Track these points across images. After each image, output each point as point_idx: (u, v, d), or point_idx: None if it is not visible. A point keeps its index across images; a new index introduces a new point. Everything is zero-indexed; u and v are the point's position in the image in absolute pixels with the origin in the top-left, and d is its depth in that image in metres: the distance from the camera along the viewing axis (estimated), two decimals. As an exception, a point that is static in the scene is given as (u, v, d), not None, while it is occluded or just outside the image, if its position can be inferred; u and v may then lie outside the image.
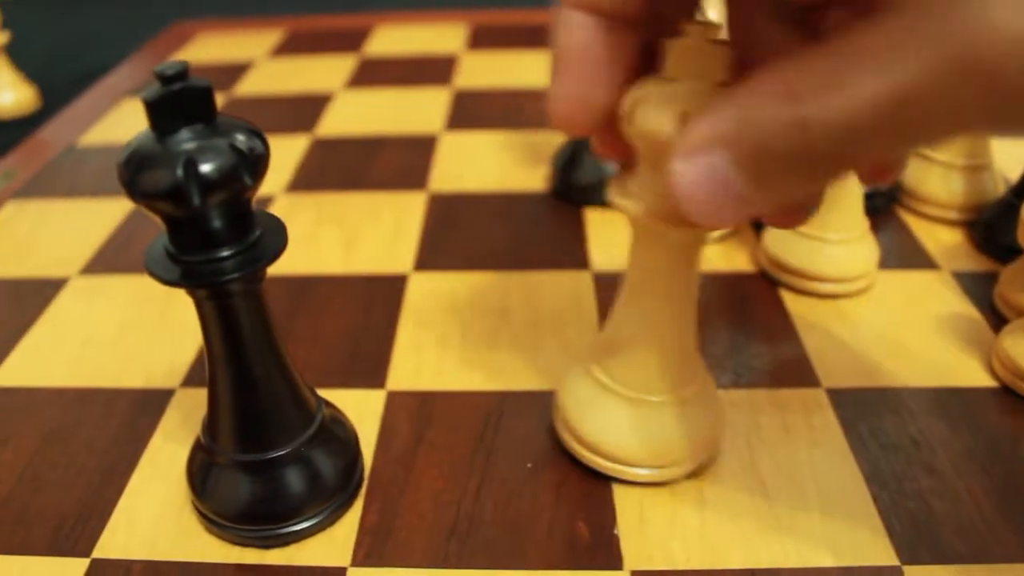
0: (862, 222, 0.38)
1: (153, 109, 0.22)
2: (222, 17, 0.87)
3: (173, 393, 0.34)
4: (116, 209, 0.49)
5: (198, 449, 0.28)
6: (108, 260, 0.44)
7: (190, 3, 0.99)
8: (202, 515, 0.28)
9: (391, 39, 0.77)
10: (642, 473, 0.28)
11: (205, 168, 0.21)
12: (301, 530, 0.27)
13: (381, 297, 0.40)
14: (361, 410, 0.33)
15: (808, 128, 0.17)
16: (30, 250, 0.45)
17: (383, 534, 0.28)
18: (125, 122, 0.61)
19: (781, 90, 0.17)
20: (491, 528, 0.28)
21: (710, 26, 0.22)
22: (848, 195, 0.37)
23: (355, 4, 0.95)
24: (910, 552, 0.27)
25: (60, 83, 0.72)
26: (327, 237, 0.45)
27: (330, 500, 0.28)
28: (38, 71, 0.74)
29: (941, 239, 0.43)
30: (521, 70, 0.68)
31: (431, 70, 0.69)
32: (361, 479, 0.30)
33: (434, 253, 0.43)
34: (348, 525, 0.28)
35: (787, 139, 0.17)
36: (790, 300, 0.39)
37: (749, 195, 0.18)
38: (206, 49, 0.77)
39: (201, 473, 0.28)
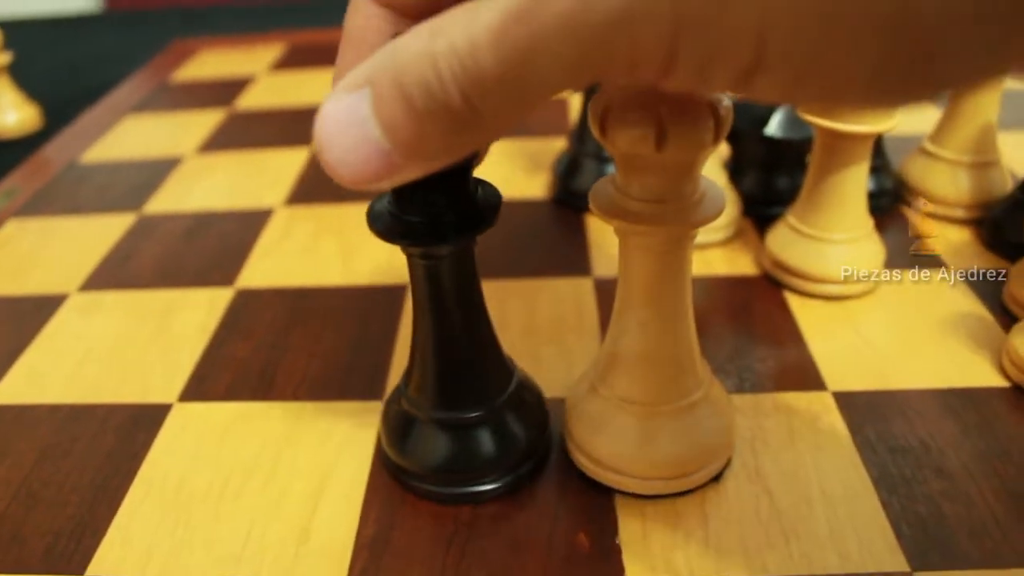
0: (867, 221, 0.38)
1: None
2: (223, 34, 0.87)
3: (170, 408, 0.34)
4: (116, 225, 0.49)
5: (397, 408, 0.29)
6: (107, 276, 0.44)
7: (192, 22, 0.99)
8: (399, 470, 0.29)
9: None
10: (656, 485, 0.28)
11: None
12: (489, 490, 0.28)
13: (379, 308, 0.39)
14: (359, 421, 0.32)
15: (435, 62, 0.15)
16: (30, 268, 0.45)
17: (380, 544, 0.27)
18: (127, 139, 0.61)
19: (427, 28, 0.16)
20: (490, 539, 0.27)
21: None
22: (851, 193, 0.36)
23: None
24: (920, 557, 0.26)
25: (63, 102, 0.73)
26: (326, 249, 0.45)
27: (520, 465, 0.29)
28: (42, 91, 0.74)
29: (948, 238, 0.42)
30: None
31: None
32: (549, 447, 0.30)
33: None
34: (344, 537, 0.28)
35: (419, 76, 0.16)
36: (794, 302, 0.38)
37: (386, 143, 0.17)
38: (207, 66, 0.77)
39: (402, 430, 0.29)
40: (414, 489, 0.29)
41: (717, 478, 0.29)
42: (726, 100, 0.22)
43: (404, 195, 0.24)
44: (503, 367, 0.29)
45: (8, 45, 0.68)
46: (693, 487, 0.28)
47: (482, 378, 0.28)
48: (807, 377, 0.34)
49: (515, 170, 0.52)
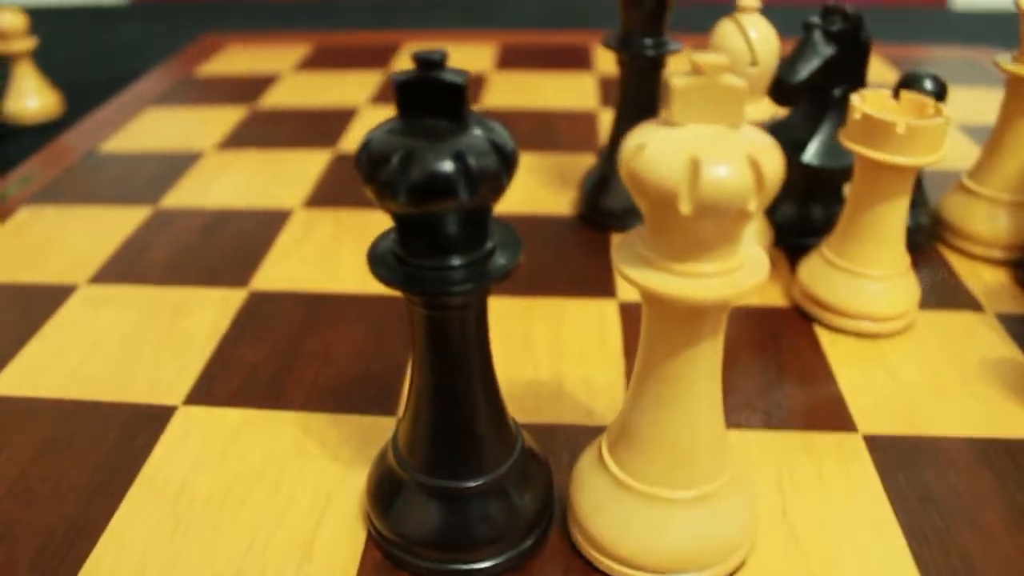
0: (904, 258, 0.36)
1: (404, 93, 0.20)
2: (251, 31, 0.86)
3: (175, 410, 0.33)
4: (131, 217, 0.48)
5: (384, 464, 0.26)
6: (119, 269, 0.43)
7: (221, 16, 0.99)
8: (382, 538, 0.26)
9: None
10: None
11: (472, 163, 0.20)
12: (487, 568, 0.25)
13: (396, 318, 0.38)
14: (369, 438, 0.31)
15: None
16: (41, 256, 0.44)
17: (386, 572, 0.26)
18: (147, 130, 0.61)
19: None
20: None
21: (722, 62, 0.19)
22: (891, 227, 0.35)
23: (384, 21, 0.94)
24: (954, 616, 0.25)
25: (87, 91, 0.72)
26: (344, 254, 0.44)
27: (522, 540, 0.26)
28: (65, 79, 0.73)
29: (984, 278, 0.41)
30: (550, 91, 0.67)
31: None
32: (551, 520, 0.27)
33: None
34: (348, 558, 0.26)
35: None
36: (825, 338, 0.37)
37: None
38: (232, 61, 0.77)
39: (387, 491, 0.26)
40: (396, 559, 0.26)
41: None
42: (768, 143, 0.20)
43: (410, 235, 0.21)
44: (507, 433, 0.26)
45: (35, 33, 0.67)
46: None
47: (483, 444, 0.25)
48: (837, 417, 0.32)
49: (542, 185, 0.51)
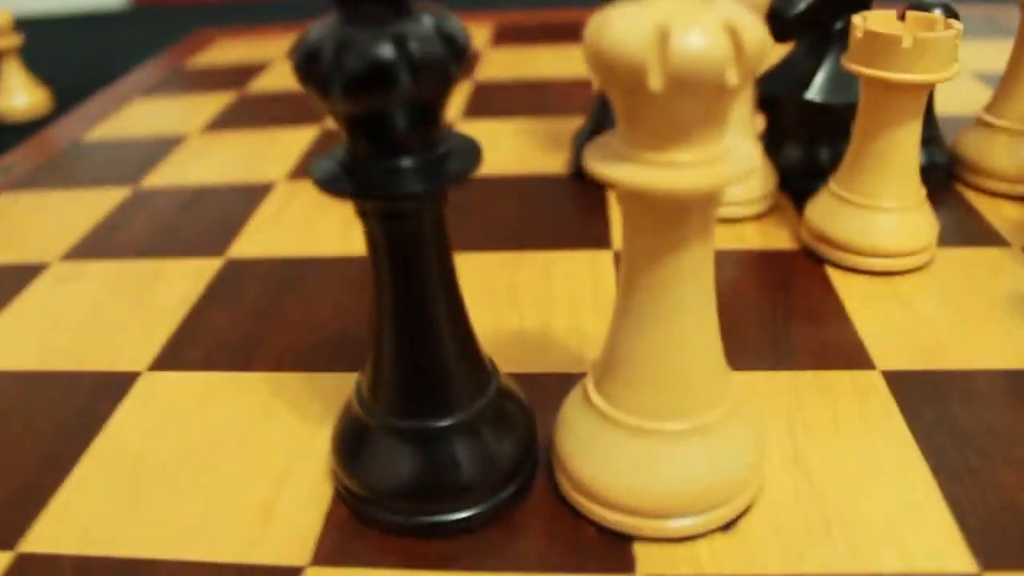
0: (919, 189, 0.33)
1: None
2: (245, 25, 0.85)
3: (138, 376, 0.31)
4: (110, 197, 0.46)
5: (349, 414, 0.24)
6: (93, 246, 0.41)
7: (219, 18, 0.98)
8: (349, 494, 0.24)
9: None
10: (648, 525, 0.22)
11: (415, 48, 0.18)
12: (461, 519, 0.23)
13: (378, 279, 0.36)
14: (342, 394, 0.29)
15: None
16: (14, 238, 0.42)
17: (352, 526, 0.24)
18: (133, 119, 0.59)
19: None
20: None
21: None
22: (902, 154, 0.32)
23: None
24: (989, 556, 0.22)
25: (78, 90, 0.71)
26: (326, 221, 0.41)
27: (499, 489, 0.23)
28: (58, 80, 0.72)
29: (1008, 215, 0.38)
30: (542, 64, 0.65)
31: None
32: (535, 469, 0.25)
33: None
34: (312, 518, 0.24)
35: None
36: (838, 279, 0.34)
37: None
38: (225, 52, 0.75)
39: (352, 441, 0.23)
40: (362, 515, 0.23)
41: (727, 527, 0.23)
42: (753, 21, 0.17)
43: (357, 137, 0.19)
44: (481, 368, 0.23)
45: (32, 39, 0.66)
46: (694, 534, 0.22)
47: (454, 379, 0.22)
48: (852, 355, 0.29)
49: (533, 148, 0.48)
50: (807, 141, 0.40)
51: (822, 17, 0.38)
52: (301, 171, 0.48)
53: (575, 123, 0.51)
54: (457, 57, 0.19)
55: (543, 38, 0.72)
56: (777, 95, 0.39)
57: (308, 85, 0.18)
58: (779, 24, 0.37)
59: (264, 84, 0.65)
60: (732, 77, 0.17)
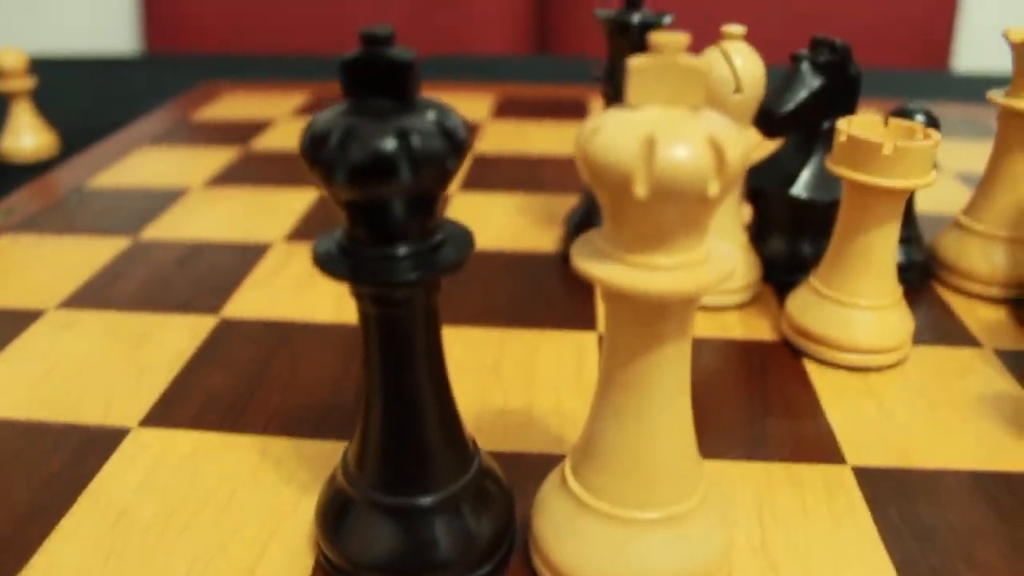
0: (896, 289, 0.35)
1: (350, 72, 0.20)
2: (253, 80, 0.87)
3: (128, 432, 0.31)
4: (109, 247, 0.47)
5: (334, 485, 0.25)
6: (89, 296, 0.42)
7: (232, 68, 1.00)
8: (330, 564, 0.24)
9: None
10: None
11: (416, 142, 0.19)
12: None
13: (368, 345, 0.37)
14: (328, 463, 0.30)
15: None
16: (11, 283, 0.43)
17: (331, 598, 0.24)
18: (137, 168, 0.60)
19: None
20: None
21: (681, 40, 0.18)
22: (881, 255, 0.34)
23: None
24: (949, 658, 0.23)
25: (86, 135, 0.72)
26: (320, 286, 0.42)
27: (477, 567, 0.24)
28: (66, 124, 0.74)
29: (982, 316, 0.39)
30: (541, 139, 0.67)
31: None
32: (511, 548, 0.26)
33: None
34: (293, 586, 0.25)
35: None
36: (815, 372, 0.35)
37: None
38: (231, 107, 0.77)
39: (335, 512, 0.24)
40: None
41: None
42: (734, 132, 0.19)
43: (356, 223, 0.20)
44: (463, 449, 0.24)
45: (43, 82, 0.68)
46: None
47: (435, 457, 0.23)
48: (824, 449, 0.30)
49: (527, 224, 0.50)
50: (791, 235, 0.41)
51: (810, 117, 0.39)
52: (299, 233, 0.49)
53: (569, 201, 0.53)
54: (456, 152, 0.20)
55: (543, 113, 0.74)
56: (764, 188, 0.41)
57: (314, 169, 0.20)
58: (769, 121, 0.39)
59: (268, 142, 0.66)
60: (714, 189, 0.18)
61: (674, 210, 0.19)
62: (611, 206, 0.19)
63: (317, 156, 0.19)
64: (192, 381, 0.34)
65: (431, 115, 0.20)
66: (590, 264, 0.20)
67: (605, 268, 0.20)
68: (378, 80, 0.19)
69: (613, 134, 0.18)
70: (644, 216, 0.19)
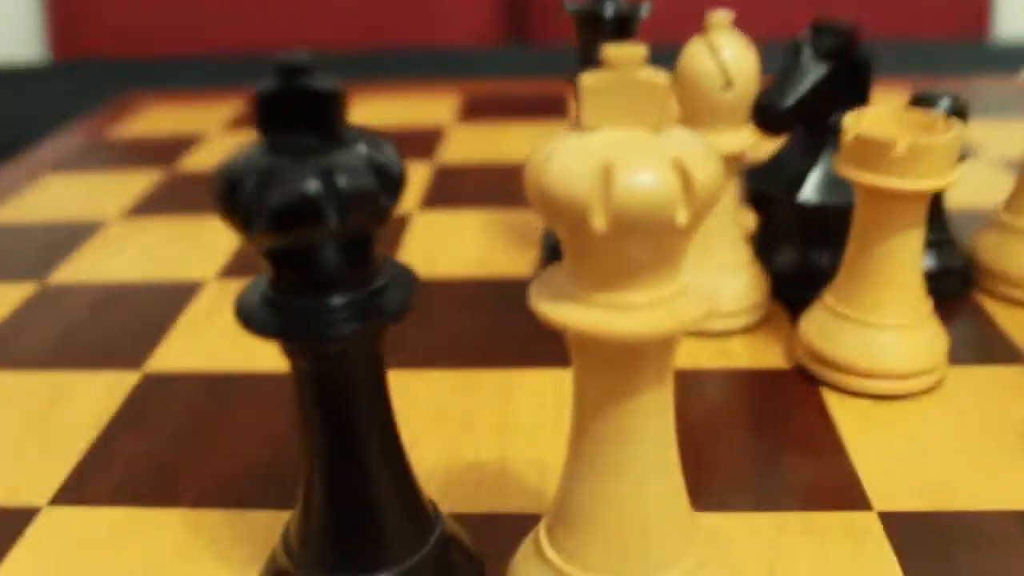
0: (923, 302, 0.36)
1: (266, 107, 0.20)
2: (178, 87, 0.88)
3: (38, 512, 0.32)
4: (9, 296, 0.48)
5: (274, 565, 0.25)
6: (-11, 354, 0.42)
7: (157, 75, 1.01)
8: None
9: (375, 109, 0.78)
10: None
11: (343, 182, 0.20)
12: None
13: (316, 397, 0.37)
14: (270, 535, 0.30)
15: None
16: (-102, 342, 0.44)
17: None
18: (43, 199, 0.61)
19: None
20: None
21: (637, 53, 0.19)
22: (904, 268, 0.35)
23: (346, 71, 0.96)
24: None
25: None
26: (260, 327, 0.43)
27: None
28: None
29: (1028, 329, 0.40)
30: (513, 143, 0.68)
31: (413, 143, 0.69)
32: None
33: (389, 349, 0.41)
34: None
35: None
36: (833, 401, 0.36)
37: None
38: (154, 121, 0.78)
39: None
40: None
41: None
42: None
43: (283, 272, 0.21)
44: (420, 515, 0.25)
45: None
46: None
47: (390, 528, 0.24)
48: (846, 493, 0.31)
49: (498, 245, 0.51)
50: (802, 245, 0.42)
51: (816, 110, 0.41)
52: (234, 268, 0.50)
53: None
54: (390, 189, 0.21)
55: (517, 113, 0.75)
56: (768, 193, 0.42)
57: (228, 219, 0.20)
58: (769, 117, 0.40)
59: (197, 161, 0.67)
60: (682, 217, 0.19)
61: (640, 243, 0.19)
62: (571, 242, 0.20)
63: (232, 203, 0.20)
64: (111, 449, 0.35)
65: (360, 149, 0.20)
66: (550, 306, 0.20)
67: (569, 310, 0.20)
68: (298, 114, 0.20)
69: (566, 162, 0.19)
70: (608, 251, 0.19)
